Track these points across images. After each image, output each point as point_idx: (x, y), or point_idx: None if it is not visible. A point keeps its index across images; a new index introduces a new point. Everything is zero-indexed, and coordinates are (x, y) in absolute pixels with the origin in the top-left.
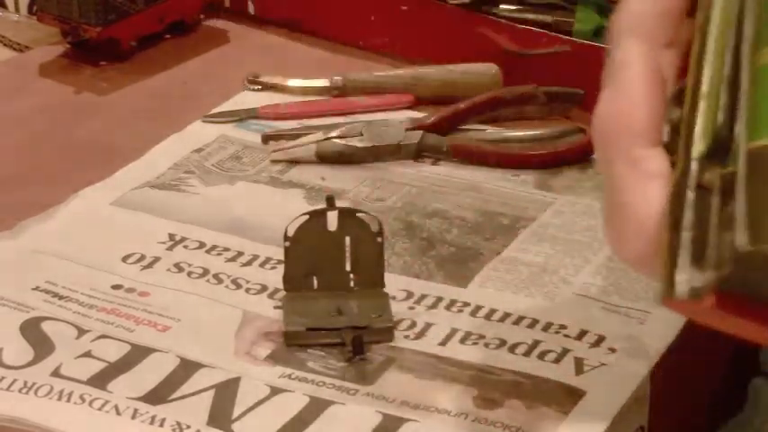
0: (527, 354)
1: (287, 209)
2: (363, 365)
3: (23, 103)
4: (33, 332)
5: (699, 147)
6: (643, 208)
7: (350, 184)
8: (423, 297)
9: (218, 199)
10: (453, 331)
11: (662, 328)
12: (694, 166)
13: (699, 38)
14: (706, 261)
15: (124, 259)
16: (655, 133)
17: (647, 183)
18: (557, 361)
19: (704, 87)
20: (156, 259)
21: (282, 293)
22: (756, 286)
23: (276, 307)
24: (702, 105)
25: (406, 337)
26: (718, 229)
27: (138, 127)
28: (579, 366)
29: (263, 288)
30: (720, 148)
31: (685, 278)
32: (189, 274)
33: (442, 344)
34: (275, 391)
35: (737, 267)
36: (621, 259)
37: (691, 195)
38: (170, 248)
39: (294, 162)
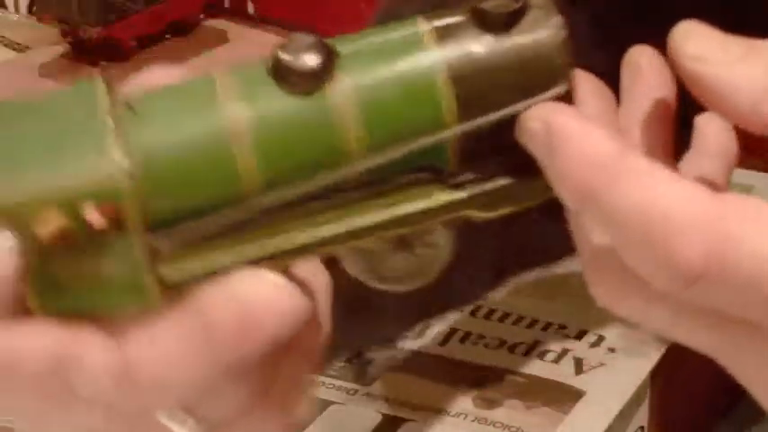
0: (527, 354)
1: None
2: (363, 365)
3: None
4: None
5: None
6: None
7: None
8: None
9: None
10: (453, 331)
11: None
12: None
13: None
14: None
15: None
16: None
17: None
18: (556, 361)
19: None
20: None
21: None
22: None
23: None
24: None
25: (406, 337)
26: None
27: None
28: (579, 366)
29: None
30: None
31: None
32: None
33: (442, 344)
34: None
35: None
36: None
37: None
38: None
39: None
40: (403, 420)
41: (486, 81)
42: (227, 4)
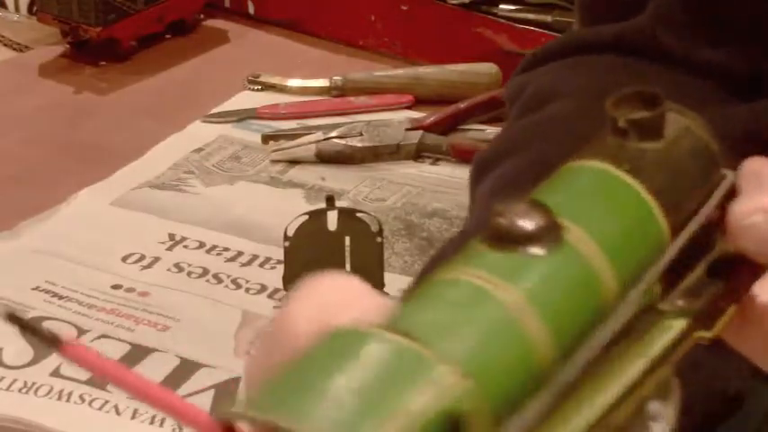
0: None
1: (287, 209)
2: None
3: (23, 103)
4: None
5: None
6: None
7: (350, 184)
8: None
9: (218, 199)
10: None
11: None
12: None
13: None
14: None
15: (124, 259)
16: None
17: None
18: None
19: None
20: (156, 259)
21: (282, 293)
22: None
23: (276, 307)
24: None
25: None
26: None
27: (138, 127)
28: None
29: (263, 288)
30: None
31: None
32: (189, 273)
33: None
34: None
35: None
36: None
37: None
38: (170, 248)
39: (294, 162)
40: None
41: (673, 183)
42: (227, 4)
